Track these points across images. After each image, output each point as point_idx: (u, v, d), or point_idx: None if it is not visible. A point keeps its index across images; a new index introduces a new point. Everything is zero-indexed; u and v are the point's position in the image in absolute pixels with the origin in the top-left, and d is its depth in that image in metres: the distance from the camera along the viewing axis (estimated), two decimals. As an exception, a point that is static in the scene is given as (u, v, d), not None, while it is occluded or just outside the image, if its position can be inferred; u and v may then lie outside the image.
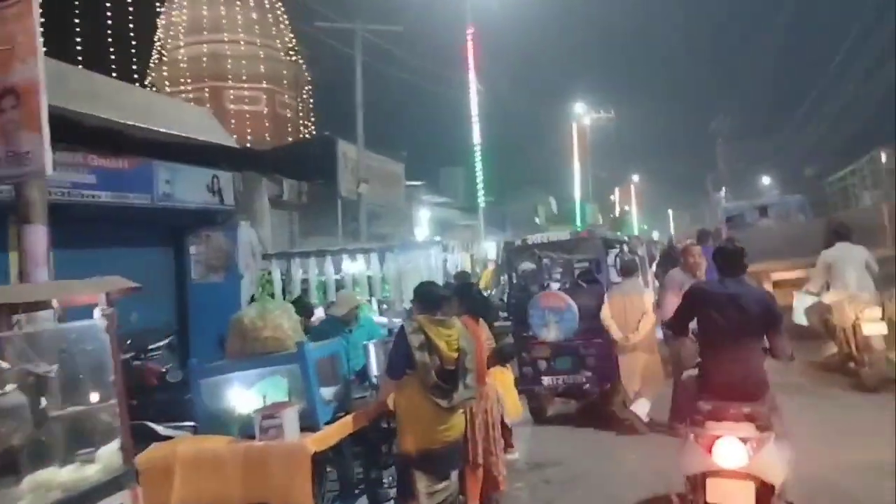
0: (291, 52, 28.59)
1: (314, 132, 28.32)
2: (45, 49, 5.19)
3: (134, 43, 20.77)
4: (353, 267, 8.74)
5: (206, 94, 25.87)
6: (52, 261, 8.37)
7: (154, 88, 24.44)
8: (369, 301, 8.68)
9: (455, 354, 4.33)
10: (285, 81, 28.10)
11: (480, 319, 5.43)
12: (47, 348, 3.11)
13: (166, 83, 26.14)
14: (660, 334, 7.29)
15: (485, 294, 10.32)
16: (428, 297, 4.51)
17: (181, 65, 26.32)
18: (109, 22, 19.65)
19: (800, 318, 8.38)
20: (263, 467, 3.96)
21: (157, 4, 26.59)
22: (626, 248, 9.44)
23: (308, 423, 4.25)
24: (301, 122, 29.08)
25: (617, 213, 54.83)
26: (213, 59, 26.33)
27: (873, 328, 7.68)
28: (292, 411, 4.13)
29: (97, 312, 3.12)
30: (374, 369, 5.18)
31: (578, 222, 33.17)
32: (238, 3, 27.09)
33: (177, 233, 11.29)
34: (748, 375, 3.98)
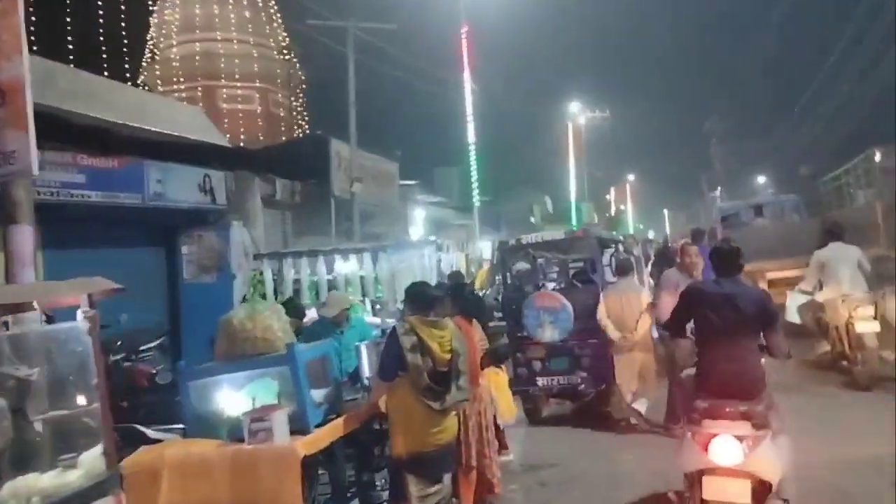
0: (285, 51, 28.49)
1: (308, 131, 28.22)
2: (34, 48, 5.12)
3: (126, 42, 20.65)
4: (346, 267, 8.66)
5: (199, 93, 25.75)
6: (43, 261, 8.33)
7: (146, 87, 24.30)
8: (362, 301, 8.60)
9: (448, 356, 4.26)
10: (279, 80, 28.01)
11: (474, 320, 5.38)
12: (28, 351, 3.03)
13: (159, 82, 26.01)
14: (655, 334, 7.25)
15: (479, 294, 10.28)
16: (420, 298, 4.44)
17: (174, 63, 26.19)
18: (101, 21, 19.51)
19: (792, 317, 8.43)
20: (252, 471, 3.88)
21: (150, 3, 26.46)
22: (621, 247, 9.39)
23: (298, 426, 4.17)
24: (294, 121, 28.97)
25: (612, 213, 54.86)
26: (205, 57, 26.21)
27: (866, 326, 7.72)
28: (282, 414, 4.06)
29: (79, 314, 3.05)
30: (366, 371, 5.11)
31: (574, 222, 33.17)
32: (231, 1, 26.98)
33: (168, 233, 11.20)
34: (744, 374, 3.99)
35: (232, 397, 4.36)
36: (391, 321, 6.96)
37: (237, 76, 26.50)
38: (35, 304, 3.03)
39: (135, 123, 11.82)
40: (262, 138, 25.21)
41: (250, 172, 12.57)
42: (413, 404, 4.20)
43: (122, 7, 20.22)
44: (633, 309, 7.12)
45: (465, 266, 15.05)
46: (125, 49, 20.36)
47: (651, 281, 9.96)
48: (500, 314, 9.04)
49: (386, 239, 14.09)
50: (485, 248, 20.13)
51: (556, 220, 32.76)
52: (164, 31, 26.82)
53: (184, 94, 25.21)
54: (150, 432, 5.24)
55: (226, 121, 24.80)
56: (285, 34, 28.30)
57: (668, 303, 6.00)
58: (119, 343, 7.50)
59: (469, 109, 21.52)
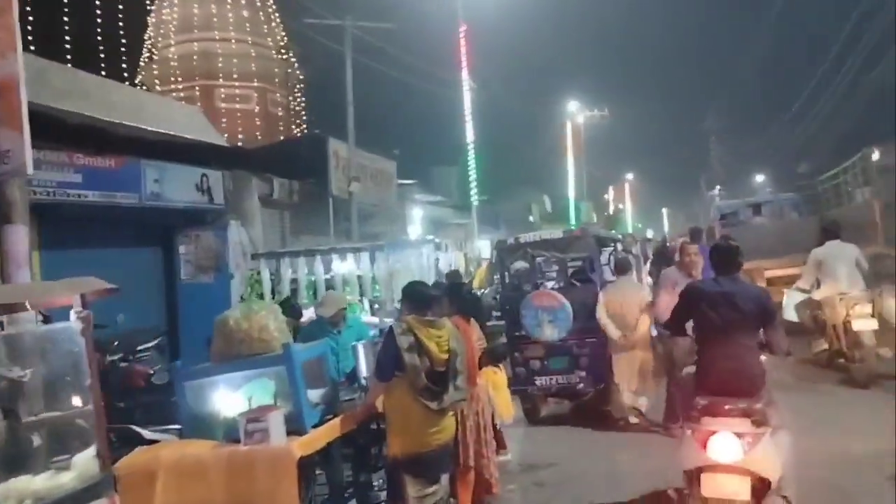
0: (283, 51, 28.43)
1: (306, 131, 28.16)
2: (31, 47, 5.10)
3: (124, 41, 20.57)
4: (344, 266, 8.63)
5: (197, 93, 25.67)
6: (40, 262, 8.30)
7: (144, 87, 24.24)
8: (360, 301, 8.58)
9: (445, 356, 4.23)
10: (277, 80, 27.93)
11: (471, 319, 5.35)
12: (21, 352, 3.00)
13: (157, 82, 25.94)
14: (654, 333, 7.22)
15: (477, 293, 10.25)
16: (417, 297, 4.41)
17: (172, 63, 26.11)
18: (99, 21, 19.45)
19: (790, 315, 8.46)
20: (248, 472, 3.86)
21: (148, 2, 26.37)
22: (620, 246, 9.36)
23: (295, 427, 4.15)
24: (293, 120, 28.91)
25: (611, 212, 54.84)
26: (203, 57, 26.13)
27: (864, 324, 7.76)
28: (278, 415, 4.03)
29: (72, 315, 3.02)
30: (363, 371, 5.08)
31: (573, 221, 33.16)
32: (229, 1, 26.90)
33: (166, 232, 11.18)
34: (744, 372, 4.02)
35: (228, 398, 4.34)
36: (389, 321, 6.93)
37: (235, 76, 26.42)
38: (28, 305, 2.99)
39: (131, 123, 11.78)
40: (260, 138, 25.14)
41: (248, 172, 12.54)
42: (410, 404, 4.17)
43: (120, 7, 20.17)
44: (633, 307, 7.09)
45: (464, 265, 15.02)
46: (123, 49, 20.30)
47: (650, 280, 9.93)
48: (498, 313, 9.01)
49: (384, 238, 14.07)
50: (483, 247, 20.11)
51: (554, 220, 32.75)
52: (161, 31, 26.74)
53: (182, 94, 25.13)
54: (146, 433, 5.20)
55: (224, 120, 24.74)
56: (283, 34, 28.24)
57: (667, 302, 6.01)
58: (116, 343, 7.48)
59: (467, 108, 21.50)
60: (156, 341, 8.15)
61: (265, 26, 27.89)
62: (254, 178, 12.61)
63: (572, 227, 16.28)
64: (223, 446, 4.06)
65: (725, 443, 3.77)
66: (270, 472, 3.84)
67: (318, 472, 4.86)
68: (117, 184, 9.24)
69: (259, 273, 8.86)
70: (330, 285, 8.33)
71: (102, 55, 19.06)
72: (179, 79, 25.98)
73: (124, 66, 20.25)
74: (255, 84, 26.94)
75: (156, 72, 26.27)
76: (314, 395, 4.47)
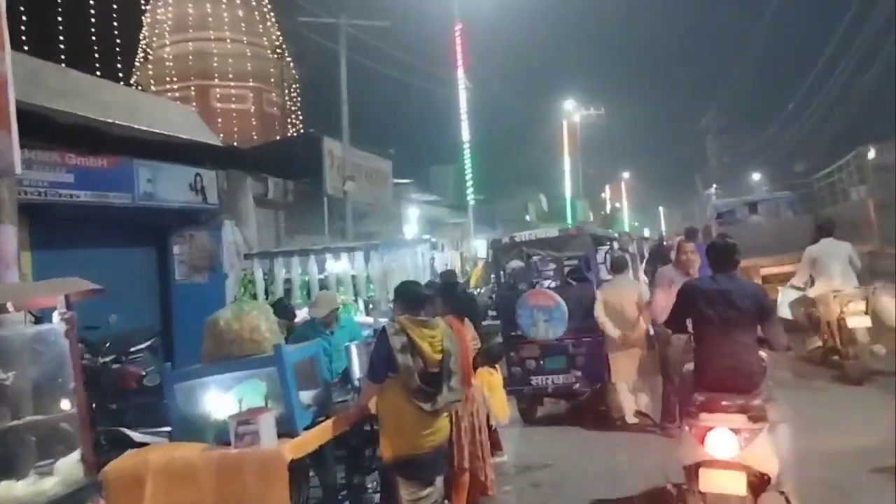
0: (278, 50, 28.34)
1: (302, 130, 28.07)
2: (26, 47, 5.03)
3: (119, 41, 20.47)
4: (338, 266, 8.56)
5: (193, 93, 25.58)
6: (32, 262, 8.22)
7: (140, 87, 24.13)
8: (355, 301, 8.52)
9: (439, 356, 4.18)
10: (272, 79, 27.84)
11: (466, 319, 5.29)
12: (2, 354, 2.94)
13: (152, 82, 25.84)
14: (651, 331, 7.18)
15: (472, 293, 10.20)
16: (410, 297, 4.35)
17: (167, 63, 26.01)
18: (93, 21, 19.35)
19: (784, 312, 8.50)
20: (238, 476, 3.79)
21: (143, 2, 26.26)
22: (616, 244, 9.32)
23: (286, 429, 4.08)
24: (288, 120, 28.83)
25: (608, 211, 54.86)
26: (199, 57, 26.03)
27: (858, 321, 7.81)
28: (269, 417, 3.96)
29: (56, 316, 2.95)
30: (356, 372, 5.01)
31: (569, 219, 33.14)
32: (224, 0, 26.81)
33: (160, 232, 11.12)
34: (741, 368, 4.06)
35: (218, 399, 4.27)
36: (384, 320, 6.87)
37: (231, 75, 26.33)
38: (10, 307, 2.93)
39: (126, 123, 11.70)
40: (255, 137, 25.05)
41: (242, 171, 12.47)
42: (404, 406, 4.11)
43: (115, 6, 20.05)
44: (631, 305, 7.05)
45: (460, 264, 14.99)
46: (118, 49, 20.18)
47: (645, 279, 9.90)
48: (494, 313, 8.96)
49: (379, 238, 14.00)
50: (480, 246, 20.07)
51: (551, 218, 32.74)
52: (157, 31, 26.63)
53: (177, 94, 25.04)
54: (136, 436, 5.15)
55: (219, 120, 24.65)
56: (278, 33, 28.16)
57: (663, 300, 5.99)
58: (108, 344, 7.40)
59: (463, 107, 21.45)
60: (149, 342, 8.05)
61: (260, 26, 27.80)
62: (248, 178, 12.55)
63: (568, 226, 16.24)
64: (213, 449, 3.99)
65: (722, 438, 3.82)
66: (261, 475, 3.78)
67: (310, 474, 4.81)
68: (109, 184, 9.18)
69: (252, 273, 8.78)
70: (324, 285, 8.25)
71: (97, 55, 18.96)
72: (175, 79, 25.88)
73: (119, 66, 20.14)
74: (251, 84, 26.86)
75: (151, 72, 26.17)
76: (306, 396, 4.41)
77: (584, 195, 43.62)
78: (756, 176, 48.96)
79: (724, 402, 3.92)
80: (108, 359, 7.26)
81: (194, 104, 22.62)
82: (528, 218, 32.88)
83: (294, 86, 29.04)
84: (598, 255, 8.26)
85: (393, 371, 4.11)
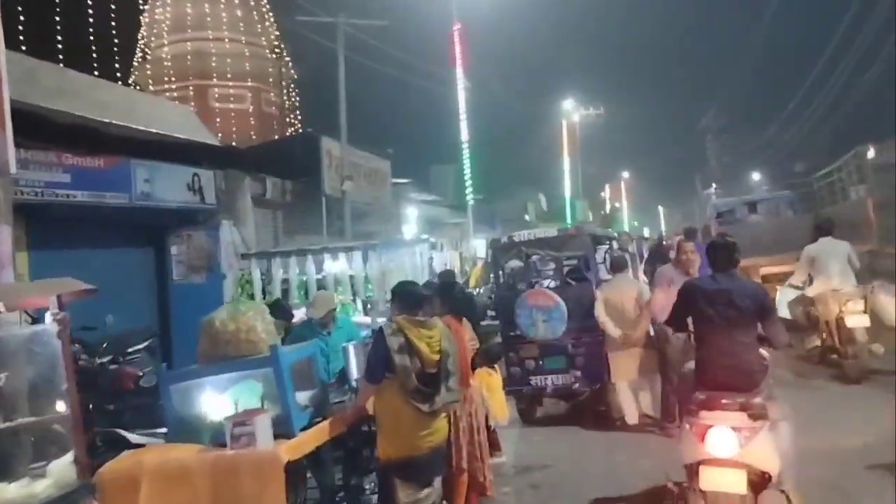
0: (277, 50, 28.30)
1: (300, 130, 28.04)
2: (23, 46, 5.00)
3: (117, 41, 20.43)
4: (336, 266, 8.53)
5: (191, 93, 25.54)
6: (28, 263, 8.18)
7: (138, 87, 24.09)
8: (353, 300, 8.49)
9: (437, 356, 4.14)
10: (270, 79, 27.80)
11: (464, 319, 5.25)
12: (-5, 355, 2.90)
13: (150, 81, 25.80)
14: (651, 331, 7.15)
15: (470, 292, 10.17)
16: (408, 297, 4.31)
17: (165, 63, 25.97)
18: (91, 20, 19.31)
19: (782, 311, 8.45)
20: (234, 478, 3.75)
21: (141, 2, 26.23)
22: (615, 244, 9.29)
23: (283, 430, 4.05)
24: (287, 119, 28.79)
25: (608, 210, 54.87)
26: (197, 57, 25.99)
27: (857, 320, 7.81)
28: (265, 418, 3.93)
29: (48, 316, 2.92)
30: (353, 372, 4.98)
31: (569, 219, 33.12)
32: (222, 0, 26.77)
33: (157, 232, 11.08)
34: (742, 367, 4.07)
35: (214, 400, 4.24)
36: (382, 320, 6.84)
37: (229, 75, 26.29)
38: (1, 307, 2.89)
39: (123, 122, 11.66)
40: (254, 137, 25.02)
41: (240, 171, 12.43)
42: (401, 407, 4.07)
43: (113, 6, 20.02)
44: (631, 305, 7.02)
45: (460, 264, 14.96)
46: (116, 48, 20.15)
47: (645, 278, 9.88)
48: (493, 313, 8.92)
49: (378, 237, 13.97)
50: (479, 246, 20.04)
51: (550, 218, 32.74)
52: (155, 31, 26.59)
53: (175, 94, 24.99)
54: (132, 437, 5.11)
55: (218, 120, 24.61)
56: (277, 32, 28.13)
57: (662, 299, 5.95)
58: (105, 345, 7.36)
59: (462, 107, 21.42)
60: (146, 343, 8.02)
61: (259, 25, 27.77)
62: (246, 178, 12.51)
63: (568, 226, 16.21)
64: (209, 451, 3.96)
65: (722, 437, 3.82)
66: (257, 476, 3.74)
67: (308, 475, 4.78)
68: (106, 184, 9.14)
69: (250, 273, 8.75)
70: (322, 285, 8.22)
71: (95, 55, 18.92)
72: (173, 78, 25.84)
73: (117, 65, 20.10)
74: (249, 83, 26.83)
75: (149, 71, 26.13)
76: (303, 397, 4.38)
77: (583, 195, 43.65)
78: (756, 175, 49.00)
79: (724, 401, 3.93)
80: (105, 359, 7.23)
81: (192, 104, 22.55)
82: (527, 218, 32.86)
83: (292, 85, 29.02)
84: (597, 254, 8.24)
85: (390, 371, 4.07)
